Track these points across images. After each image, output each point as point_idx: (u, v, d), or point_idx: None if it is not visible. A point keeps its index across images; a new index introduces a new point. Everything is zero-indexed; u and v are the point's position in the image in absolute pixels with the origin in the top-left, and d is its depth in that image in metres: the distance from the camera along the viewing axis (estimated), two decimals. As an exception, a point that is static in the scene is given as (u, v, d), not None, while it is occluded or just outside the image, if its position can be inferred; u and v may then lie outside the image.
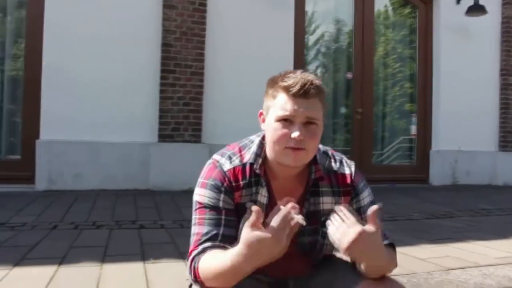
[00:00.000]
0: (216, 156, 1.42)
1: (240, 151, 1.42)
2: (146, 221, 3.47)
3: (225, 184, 1.35)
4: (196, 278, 1.25)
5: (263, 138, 1.42)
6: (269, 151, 1.38)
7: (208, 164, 1.42)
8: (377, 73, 6.99)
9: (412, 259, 2.41)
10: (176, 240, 2.87)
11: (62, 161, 4.94)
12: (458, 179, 6.78)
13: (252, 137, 1.47)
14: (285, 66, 6.04)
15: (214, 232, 1.31)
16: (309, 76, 1.30)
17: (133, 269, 2.16)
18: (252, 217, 1.12)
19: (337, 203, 1.43)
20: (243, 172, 1.38)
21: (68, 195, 4.57)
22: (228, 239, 1.31)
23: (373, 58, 6.81)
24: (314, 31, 6.77)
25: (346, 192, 1.44)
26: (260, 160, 1.39)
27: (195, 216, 1.35)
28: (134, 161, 5.17)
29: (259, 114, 1.43)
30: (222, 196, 1.34)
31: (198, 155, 5.34)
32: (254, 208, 1.13)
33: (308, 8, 6.42)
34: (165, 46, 5.29)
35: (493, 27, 7.19)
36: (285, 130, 1.29)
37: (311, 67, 6.71)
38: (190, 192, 4.84)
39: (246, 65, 5.69)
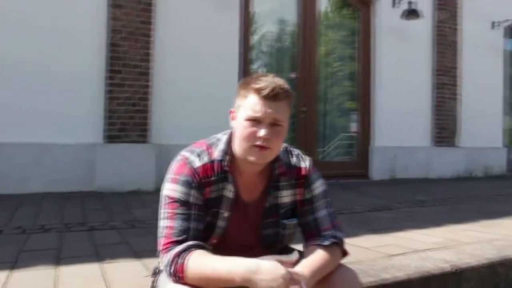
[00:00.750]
0: (185, 153, 1.49)
1: (208, 149, 1.50)
2: (96, 223, 3.43)
3: (195, 180, 1.43)
4: (177, 273, 1.31)
5: (230, 136, 1.51)
6: (237, 148, 1.47)
7: (177, 160, 1.49)
8: (319, 73, 7.22)
9: (358, 248, 2.58)
10: (129, 240, 2.88)
11: (6, 164, 4.76)
12: (396, 173, 7.17)
13: (218, 135, 1.56)
14: (231, 66, 6.20)
15: (186, 226, 1.39)
16: (279, 81, 1.42)
17: (90, 270, 2.17)
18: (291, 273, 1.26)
19: (294, 195, 1.56)
20: (212, 169, 1.47)
21: (13, 200, 4.41)
22: (198, 232, 1.40)
23: (315, 58, 7.03)
24: (259, 31, 6.90)
25: (300, 184, 1.56)
26: (227, 158, 1.48)
27: (166, 210, 1.42)
28: (80, 163, 5.06)
29: (230, 112, 1.53)
30: (192, 191, 1.42)
31: (146, 156, 5.36)
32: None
33: (254, 8, 6.53)
34: (113, 46, 5.22)
35: (428, 30, 7.65)
36: (254, 129, 1.40)
37: (256, 66, 6.82)
38: (138, 192, 4.89)
39: (193, 65, 5.72)
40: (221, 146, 1.51)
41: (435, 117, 7.74)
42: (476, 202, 5.00)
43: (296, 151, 1.64)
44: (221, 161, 1.48)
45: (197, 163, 1.46)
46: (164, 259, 1.36)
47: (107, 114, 5.21)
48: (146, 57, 5.41)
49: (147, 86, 5.41)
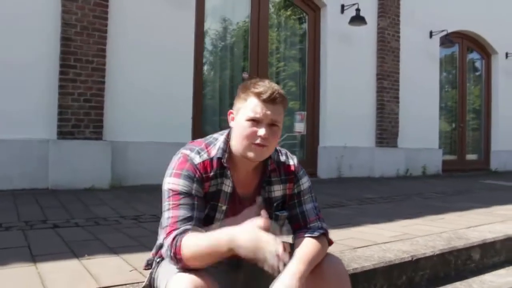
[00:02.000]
0: (185, 151, 1.59)
1: (206, 147, 1.62)
2: (58, 220, 3.38)
3: (196, 175, 1.53)
4: (176, 255, 1.40)
5: (228, 135, 1.63)
6: (235, 146, 1.59)
7: (178, 157, 1.58)
8: (271, 74, 7.40)
9: (324, 242, 2.76)
10: (99, 236, 2.88)
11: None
12: (342, 172, 7.52)
13: (214, 135, 1.68)
14: (185, 63, 6.23)
15: (189, 215, 1.48)
16: (276, 86, 1.58)
17: (71, 266, 2.17)
18: (264, 222, 1.38)
19: (284, 189, 1.70)
20: (211, 165, 1.58)
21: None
22: (199, 222, 1.51)
23: (267, 58, 7.22)
24: (212, 29, 6.97)
25: (290, 180, 1.71)
26: (226, 155, 1.59)
27: (169, 203, 1.51)
28: (31, 159, 4.90)
29: (229, 113, 1.65)
30: (194, 185, 1.52)
31: (100, 153, 5.27)
32: (264, 214, 1.40)
33: (208, 5, 6.59)
34: (65, 40, 5.09)
35: (370, 36, 8.06)
36: (254, 129, 1.53)
37: (208, 64, 6.88)
38: (93, 190, 4.85)
39: (148, 62, 5.72)
40: (219, 144, 1.62)
41: (377, 119, 8.18)
42: (418, 199, 5.38)
43: (283, 150, 1.79)
44: (220, 158, 1.59)
45: (197, 159, 1.57)
46: (165, 244, 1.45)
47: (60, 110, 5.08)
48: (100, 53, 5.32)
49: (101, 82, 5.33)
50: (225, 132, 1.67)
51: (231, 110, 1.65)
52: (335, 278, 1.56)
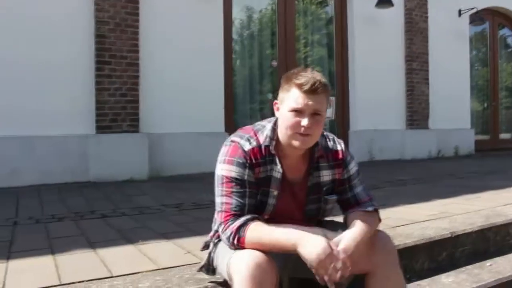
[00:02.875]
0: (235, 138, 1.68)
1: (255, 134, 1.69)
2: (105, 211, 3.55)
3: (248, 161, 1.62)
4: (239, 243, 1.52)
5: (275, 123, 1.70)
6: (281, 135, 1.67)
7: (229, 145, 1.67)
8: (298, 60, 7.44)
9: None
10: (147, 224, 3.02)
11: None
12: (374, 155, 7.52)
13: (263, 123, 1.75)
14: (216, 54, 6.33)
15: (242, 202, 1.59)
16: (318, 76, 1.62)
17: (128, 250, 2.33)
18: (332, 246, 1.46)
19: (333, 174, 1.77)
20: (260, 152, 1.66)
21: (7, 193, 4.44)
22: (252, 207, 1.61)
23: (295, 45, 7.25)
24: (240, 20, 7.04)
25: (338, 165, 1.78)
26: (273, 143, 1.67)
27: (222, 189, 1.61)
28: (72, 154, 5.12)
29: (274, 103, 1.73)
30: (247, 171, 1.61)
31: (138, 145, 5.46)
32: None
33: (234, -1, 6.66)
34: (99, 37, 5.27)
35: (398, 18, 7.98)
36: (297, 119, 1.59)
37: (238, 53, 6.95)
38: (132, 181, 5.02)
39: (179, 54, 5.84)
40: (267, 132, 1.69)
41: (407, 101, 8.12)
42: (451, 180, 5.37)
43: (331, 136, 1.85)
44: (268, 146, 1.67)
45: (247, 146, 1.65)
46: (226, 232, 1.56)
47: (97, 105, 5.27)
48: (133, 48, 5.48)
49: (135, 77, 5.49)
50: (273, 119, 1.74)
51: (275, 101, 1.72)
52: (385, 253, 1.64)
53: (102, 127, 5.28)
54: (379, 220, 1.76)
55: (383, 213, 3.29)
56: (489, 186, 4.62)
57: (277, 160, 1.67)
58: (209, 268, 1.78)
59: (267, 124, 1.72)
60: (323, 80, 1.62)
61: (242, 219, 1.55)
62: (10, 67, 4.86)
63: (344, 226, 1.78)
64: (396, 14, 7.82)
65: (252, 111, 7.13)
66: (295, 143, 1.62)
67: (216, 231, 1.73)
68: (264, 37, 7.31)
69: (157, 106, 5.66)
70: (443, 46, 8.49)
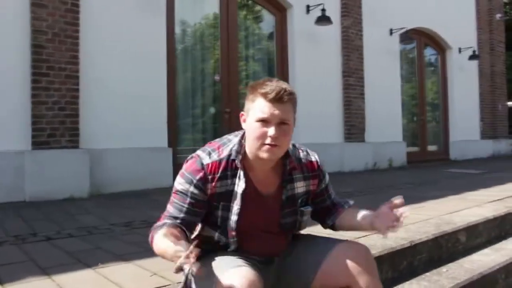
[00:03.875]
0: (198, 152, 1.67)
1: (219, 148, 1.67)
2: (48, 232, 3.30)
3: (197, 178, 1.60)
4: (151, 243, 1.57)
5: (242, 137, 1.67)
6: (248, 148, 1.64)
7: (191, 158, 1.66)
8: (240, 75, 7.47)
9: (324, 235, 2.86)
10: (100, 245, 2.85)
11: None
12: (315, 168, 7.66)
13: (230, 136, 1.73)
14: (159, 67, 6.22)
15: (176, 215, 1.60)
16: (284, 85, 1.60)
17: (89, 275, 2.17)
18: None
19: (307, 186, 1.77)
20: (219, 166, 1.63)
21: None
22: (187, 223, 1.61)
23: (237, 60, 7.28)
24: (183, 31, 6.96)
25: (315, 176, 1.79)
26: (240, 156, 1.64)
27: (171, 197, 1.65)
28: (6, 171, 4.75)
29: (240, 115, 1.70)
30: (192, 188, 1.60)
31: (78, 161, 5.17)
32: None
33: (178, 9, 6.56)
34: (36, 47, 4.96)
35: (335, 35, 8.28)
36: (263, 129, 1.57)
37: (182, 66, 6.86)
38: (72, 199, 4.79)
39: (122, 67, 5.66)
40: (232, 145, 1.67)
41: (344, 116, 8.41)
42: (392, 191, 5.60)
43: (303, 147, 1.85)
44: (233, 159, 1.64)
45: (207, 160, 1.63)
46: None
47: (33, 120, 4.94)
48: (73, 60, 5.22)
49: (75, 90, 5.22)
50: (240, 133, 1.71)
51: (242, 112, 1.69)
52: (365, 264, 1.65)
53: (39, 143, 4.95)
54: None
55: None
56: (428, 197, 4.86)
57: (242, 174, 1.64)
58: (187, 289, 1.70)
59: (234, 138, 1.70)
60: (289, 88, 1.60)
61: (163, 221, 1.59)
62: None
63: (324, 238, 1.79)
64: (333, 31, 8.12)
65: (194, 126, 7.03)
66: (263, 154, 1.59)
67: None
68: (207, 50, 7.28)
69: (98, 120, 5.42)
70: (377, 62, 8.94)
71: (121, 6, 5.70)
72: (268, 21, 7.97)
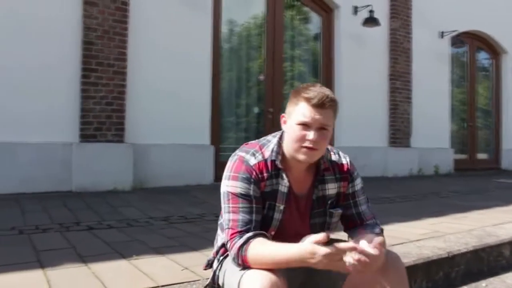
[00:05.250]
0: (240, 153, 1.66)
1: (260, 149, 1.68)
2: (91, 222, 3.44)
3: (253, 176, 1.60)
4: (244, 263, 1.49)
5: (280, 137, 1.68)
6: (287, 149, 1.65)
7: (234, 160, 1.65)
8: (285, 75, 7.46)
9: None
10: (138, 237, 2.93)
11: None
12: (357, 172, 7.54)
13: (268, 137, 1.74)
14: (204, 65, 6.30)
15: (248, 218, 1.56)
16: (327, 91, 1.61)
17: (123, 266, 2.24)
18: (321, 237, 1.40)
19: (338, 187, 1.75)
20: (266, 166, 1.64)
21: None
22: (258, 223, 1.58)
23: (282, 60, 7.28)
24: (229, 30, 7.02)
25: (344, 178, 1.77)
26: (279, 157, 1.65)
27: (229, 205, 1.59)
28: (55, 162, 4.97)
29: (281, 117, 1.70)
30: (252, 186, 1.59)
31: (122, 155, 5.33)
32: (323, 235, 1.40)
33: (224, 8, 6.63)
34: (87, 44, 5.16)
35: (383, 37, 8.11)
36: (304, 132, 1.58)
37: (226, 65, 6.93)
38: (115, 192, 4.91)
39: (168, 65, 5.78)
40: (272, 146, 1.68)
41: (390, 119, 8.23)
42: (436, 198, 5.43)
43: (335, 150, 1.84)
44: (274, 160, 1.65)
45: (253, 161, 1.63)
46: (231, 252, 1.54)
47: (82, 114, 5.14)
48: (121, 56, 5.39)
49: (122, 86, 5.39)
50: (278, 134, 1.72)
51: (283, 114, 1.71)
52: (396, 272, 1.61)
53: (86, 136, 5.15)
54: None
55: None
56: (474, 206, 4.68)
57: (284, 174, 1.66)
58: (213, 287, 1.72)
59: (273, 139, 1.71)
60: (332, 95, 1.61)
61: (244, 237, 1.52)
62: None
63: None
64: (381, 33, 7.95)
65: (237, 125, 7.09)
66: (301, 156, 1.61)
67: (220, 248, 1.72)
68: (252, 50, 7.31)
69: (143, 116, 5.57)
70: (426, 66, 8.68)
71: (169, 4, 5.82)
72: (314, 22, 7.91)
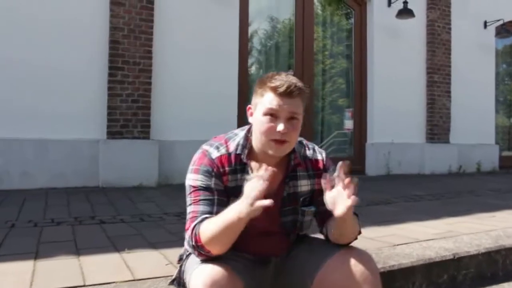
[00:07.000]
0: (205, 146, 1.62)
1: (226, 142, 1.63)
2: (105, 216, 3.52)
3: (214, 170, 1.56)
4: (197, 243, 1.45)
5: (248, 131, 1.63)
6: (255, 142, 1.59)
7: (198, 153, 1.61)
8: (314, 70, 7.34)
9: (363, 239, 2.68)
10: (142, 232, 2.97)
11: (8, 160, 4.82)
12: (391, 169, 7.32)
13: (236, 131, 1.69)
14: (230, 62, 6.29)
15: (208, 210, 1.52)
16: (293, 79, 1.54)
17: (111, 259, 2.27)
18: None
19: (312, 185, 1.68)
20: (229, 160, 1.59)
21: (17, 195, 4.47)
22: None
23: (312, 55, 7.16)
24: (257, 27, 7.00)
25: (319, 175, 1.67)
26: (246, 151, 1.60)
27: (190, 198, 1.55)
28: (83, 159, 5.14)
29: (247, 109, 1.65)
30: (213, 179, 1.55)
31: (148, 152, 5.43)
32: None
33: (251, 5, 6.61)
34: (113, 43, 5.29)
35: (419, 29, 7.79)
36: (271, 124, 1.52)
37: (253, 63, 6.91)
38: (141, 188, 4.95)
39: (193, 62, 5.83)
40: (239, 140, 1.63)
41: (427, 115, 7.90)
42: (469, 197, 5.15)
43: (311, 145, 1.76)
44: (239, 154, 1.60)
45: (215, 154, 1.59)
46: (186, 237, 1.52)
47: (109, 111, 5.29)
48: (147, 54, 5.49)
49: (148, 83, 5.49)
50: (246, 127, 1.68)
51: (249, 106, 1.65)
52: (363, 275, 1.52)
53: (113, 133, 5.29)
54: (359, 232, 1.65)
55: (389, 229, 3.18)
56: (508, 205, 4.40)
57: (249, 169, 1.60)
58: (180, 281, 1.71)
59: (240, 132, 1.67)
60: (299, 83, 1.55)
61: (200, 218, 1.50)
62: (24, 70, 4.93)
63: (324, 245, 1.68)
64: (417, 25, 7.65)
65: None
66: (271, 150, 1.55)
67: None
68: (283, 47, 7.25)
69: (169, 113, 5.65)
70: (467, 58, 8.26)
71: (195, 3, 5.86)
72: (347, 15, 7.72)
